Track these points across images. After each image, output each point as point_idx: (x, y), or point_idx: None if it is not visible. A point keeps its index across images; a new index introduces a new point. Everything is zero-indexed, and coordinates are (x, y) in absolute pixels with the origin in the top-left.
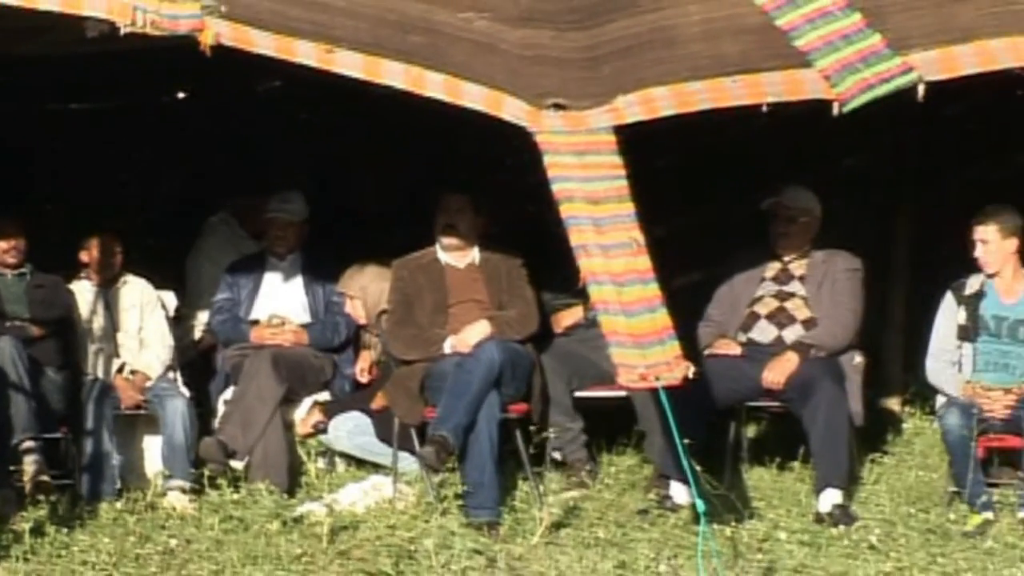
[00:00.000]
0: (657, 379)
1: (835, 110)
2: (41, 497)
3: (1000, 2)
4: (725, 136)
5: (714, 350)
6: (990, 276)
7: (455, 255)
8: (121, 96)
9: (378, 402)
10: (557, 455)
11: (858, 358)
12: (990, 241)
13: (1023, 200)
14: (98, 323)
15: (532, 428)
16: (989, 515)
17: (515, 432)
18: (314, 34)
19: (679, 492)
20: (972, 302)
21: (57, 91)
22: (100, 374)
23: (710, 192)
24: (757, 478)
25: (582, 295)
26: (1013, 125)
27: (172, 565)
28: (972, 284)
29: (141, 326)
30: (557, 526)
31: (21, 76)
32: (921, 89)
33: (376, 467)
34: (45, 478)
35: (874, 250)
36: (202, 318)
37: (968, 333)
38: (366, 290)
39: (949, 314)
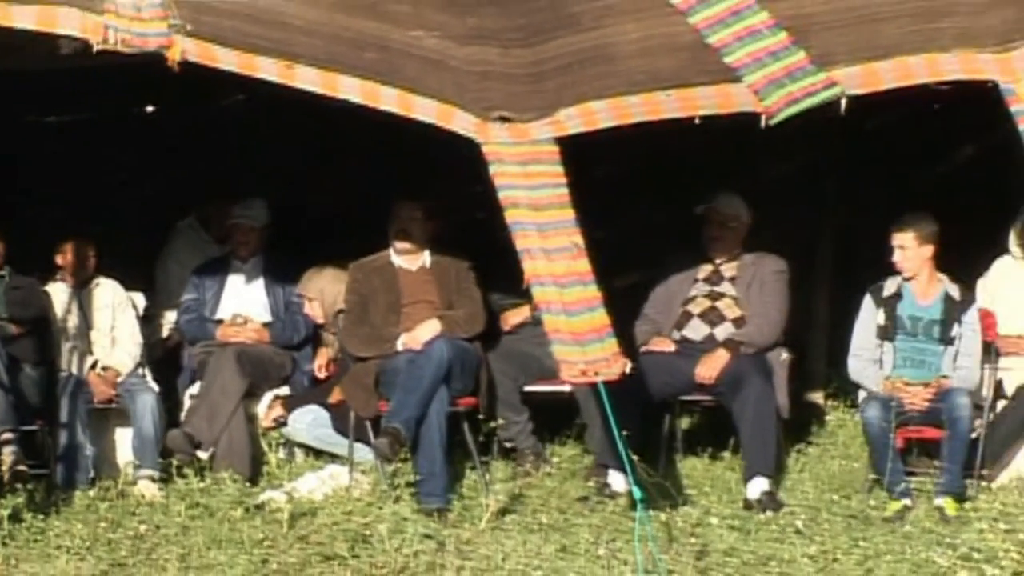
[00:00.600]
0: (596, 374)
1: (763, 122)
2: (19, 485)
3: (918, 21)
4: (661, 146)
5: (650, 347)
6: (907, 279)
7: (407, 258)
8: (93, 109)
9: (335, 396)
10: (509, 444)
11: (785, 355)
12: (907, 247)
13: (940, 208)
14: (72, 322)
15: (479, 420)
16: (907, 502)
17: (463, 424)
18: (274, 51)
19: (617, 480)
20: (890, 304)
21: (34, 104)
22: (74, 370)
23: (646, 199)
24: (690, 467)
25: (527, 296)
26: (930, 137)
27: (141, 549)
28: (889, 287)
29: (113, 325)
30: (503, 512)
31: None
32: (844, 103)
33: (333, 457)
34: (22, 467)
35: (799, 253)
36: (170, 317)
37: (887, 333)
38: (323, 292)
39: (869, 315)
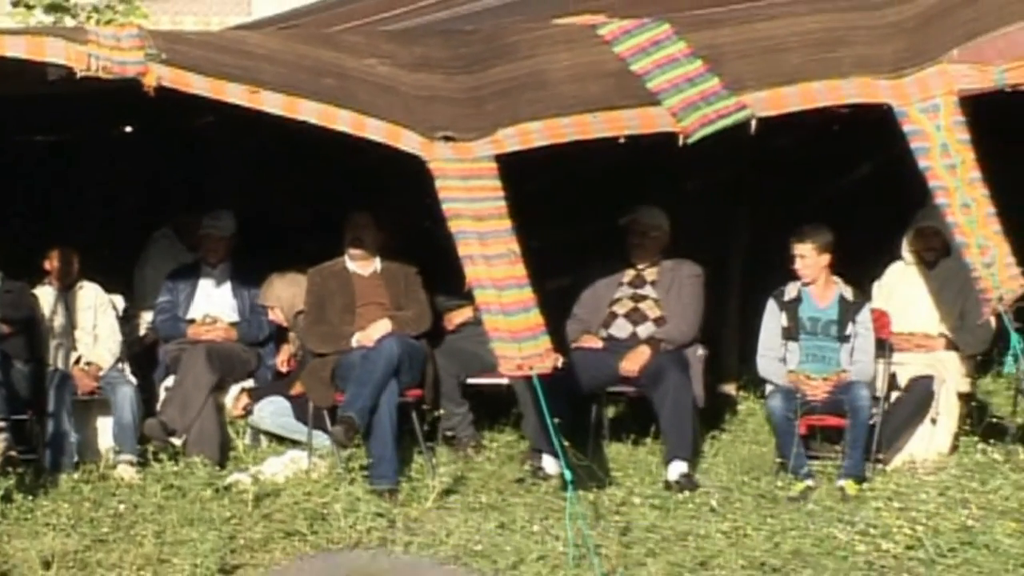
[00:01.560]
0: (531, 368)
1: (681, 141)
2: (10, 469)
3: (820, 50)
4: (589, 162)
5: (579, 344)
6: (806, 285)
7: (361, 264)
8: (78, 130)
9: (296, 388)
10: (450, 433)
11: (700, 351)
12: (807, 256)
13: (837, 219)
14: (58, 322)
15: (425, 410)
16: (810, 483)
17: (411, 413)
18: (241, 77)
19: (550, 464)
20: (791, 307)
21: (24, 125)
22: (60, 365)
23: (576, 211)
24: (615, 452)
25: (469, 298)
26: (830, 155)
27: (121, 526)
28: (790, 291)
29: (95, 324)
30: (447, 493)
31: None
32: (753, 124)
33: (294, 443)
34: (13, 453)
35: (713, 260)
36: (146, 317)
37: (790, 333)
38: (280, 299)
39: (773, 317)
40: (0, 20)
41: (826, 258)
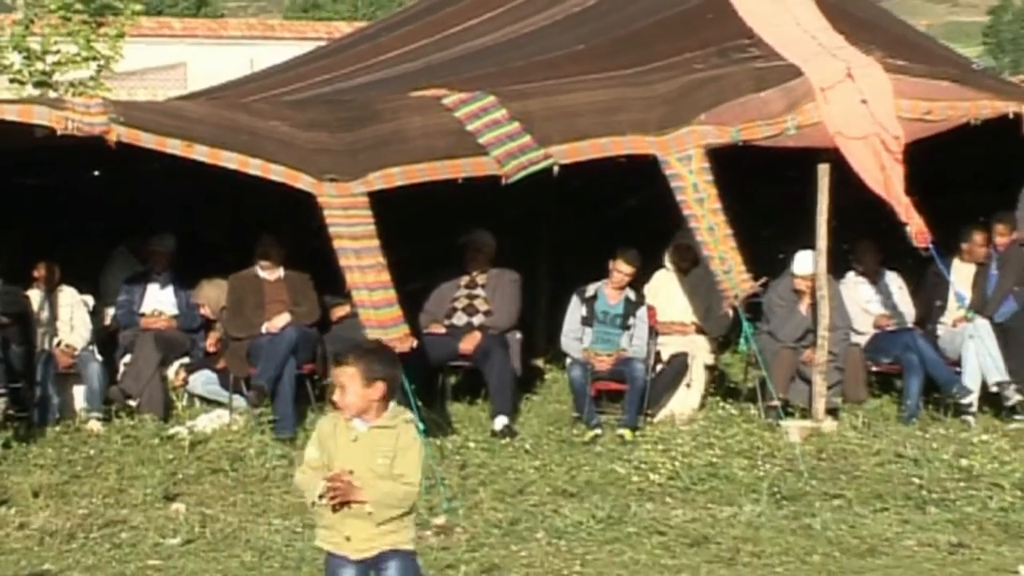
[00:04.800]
0: (395, 348)
1: (503, 182)
2: (8, 424)
3: (605, 115)
4: (437, 196)
5: (428, 330)
6: (612, 287)
7: (268, 272)
8: (58, 174)
9: (220, 364)
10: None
11: (518, 335)
12: (622, 269)
13: (621, 238)
14: (44, 315)
15: (316, 379)
16: (598, 431)
17: (306, 382)
18: (179, 135)
19: None
20: (589, 302)
21: (16, 170)
22: (45, 347)
23: (427, 232)
24: (455, 409)
25: (348, 297)
26: (611, 191)
27: (91, 466)
28: (589, 290)
29: (71, 317)
30: None
31: None
32: (556, 169)
33: (219, 404)
34: (11, 412)
35: (528, 268)
36: (109, 312)
37: (587, 321)
38: (209, 297)
39: (575, 309)
40: None
41: (632, 269)
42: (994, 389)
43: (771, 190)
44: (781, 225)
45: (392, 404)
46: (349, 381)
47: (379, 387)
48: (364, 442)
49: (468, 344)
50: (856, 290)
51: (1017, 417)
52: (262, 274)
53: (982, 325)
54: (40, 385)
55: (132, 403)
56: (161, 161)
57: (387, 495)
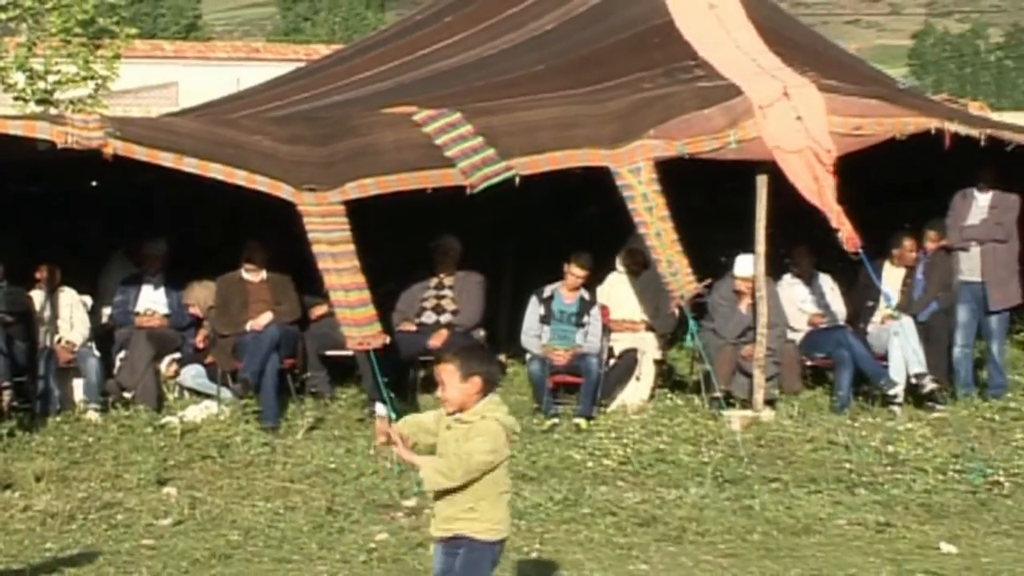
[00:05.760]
0: (369, 344)
1: (469, 191)
2: (13, 414)
3: (562, 131)
4: (408, 205)
5: (400, 328)
6: (567, 288)
7: (252, 274)
8: (59, 183)
9: (209, 359)
10: (314, 389)
11: (483, 332)
12: (576, 272)
13: (574, 243)
14: (46, 314)
15: (297, 373)
16: (556, 420)
17: (287, 375)
18: (170, 148)
19: (380, 408)
20: (547, 302)
21: (20, 180)
22: (47, 344)
23: (399, 237)
24: (425, 400)
25: (326, 297)
26: (569, 201)
27: (89, 452)
28: (547, 291)
29: (71, 316)
30: (311, 428)
31: None
32: (517, 180)
33: (208, 396)
34: (16, 403)
35: (492, 271)
36: (106, 311)
37: (546, 319)
38: (198, 298)
39: (534, 308)
40: (3, 109)
41: (585, 272)
42: (913, 380)
43: (714, 199)
44: (723, 231)
45: (486, 399)
46: (448, 377)
47: (475, 382)
48: (451, 433)
49: (437, 340)
50: (792, 291)
51: (939, 407)
52: (247, 276)
53: (907, 323)
54: (42, 379)
55: (127, 395)
56: (153, 173)
57: (432, 467)
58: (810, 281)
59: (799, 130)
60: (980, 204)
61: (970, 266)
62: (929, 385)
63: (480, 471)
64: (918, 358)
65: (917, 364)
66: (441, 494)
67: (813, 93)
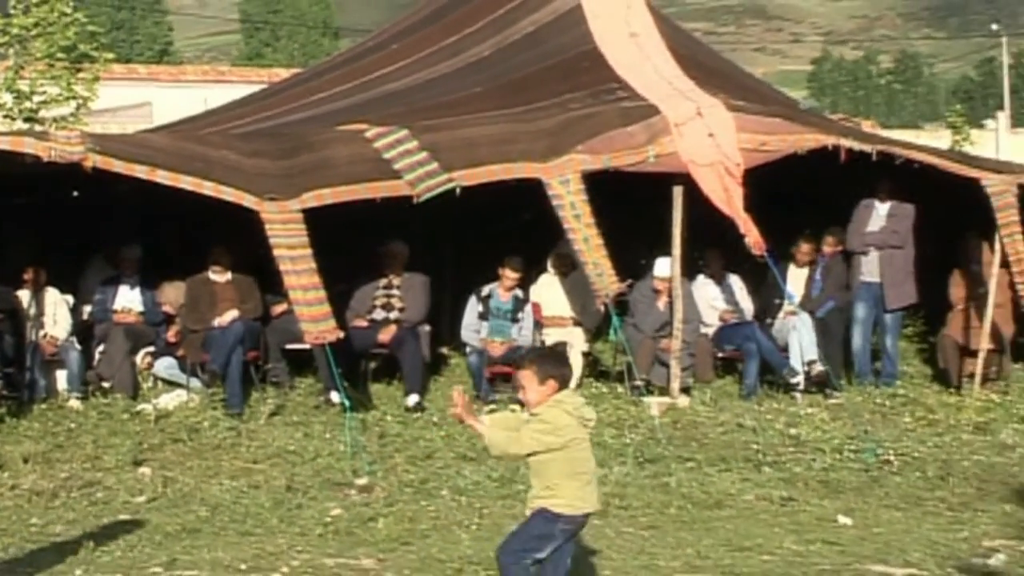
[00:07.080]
0: (324, 338)
1: (415, 200)
2: (2, 402)
3: (499, 146)
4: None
5: (353, 324)
6: (502, 288)
7: (219, 276)
8: (43, 194)
9: (180, 352)
10: (275, 379)
11: (427, 327)
12: (510, 276)
13: (510, 247)
14: (32, 311)
15: (260, 364)
16: (494, 406)
17: (251, 367)
18: (144, 161)
19: (335, 396)
20: (486, 300)
21: (9, 190)
22: (33, 338)
23: (351, 242)
24: (375, 388)
25: (286, 296)
26: (501, 209)
27: (71, 437)
28: (484, 290)
29: (55, 313)
30: (272, 415)
31: None
32: (458, 191)
33: (179, 385)
34: (4, 393)
35: (435, 272)
36: (87, 309)
37: (484, 316)
38: (169, 297)
39: (473, 306)
40: None
41: (517, 274)
42: (806, 368)
43: (635, 208)
44: (643, 237)
45: (557, 396)
46: (527, 381)
47: (551, 384)
48: (528, 425)
49: (386, 335)
50: (705, 290)
51: (836, 394)
52: (214, 277)
53: (804, 318)
54: (29, 370)
55: (106, 385)
56: (129, 184)
57: (489, 434)
58: (721, 281)
59: (711, 146)
60: (880, 213)
61: (870, 268)
62: (816, 369)
63: (531, 448)
64: (811, 347)
65: (810, 352)
66: (529, 477)
67: (723, 113)
